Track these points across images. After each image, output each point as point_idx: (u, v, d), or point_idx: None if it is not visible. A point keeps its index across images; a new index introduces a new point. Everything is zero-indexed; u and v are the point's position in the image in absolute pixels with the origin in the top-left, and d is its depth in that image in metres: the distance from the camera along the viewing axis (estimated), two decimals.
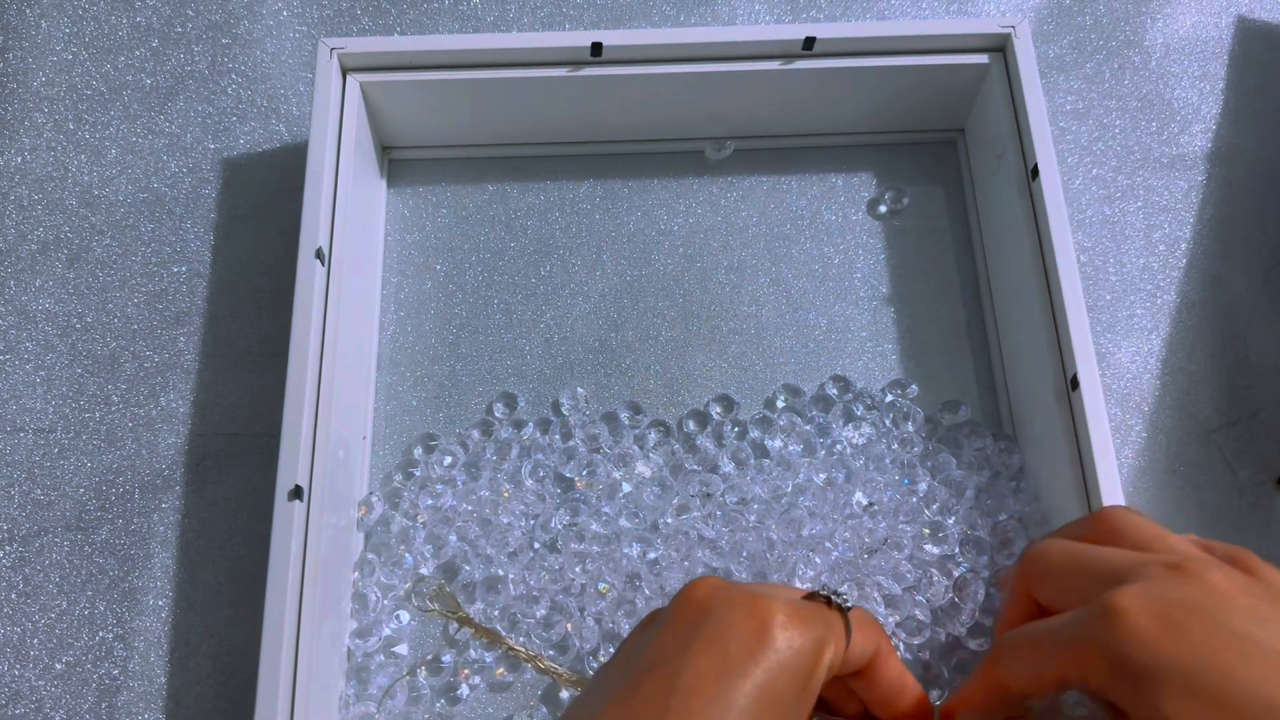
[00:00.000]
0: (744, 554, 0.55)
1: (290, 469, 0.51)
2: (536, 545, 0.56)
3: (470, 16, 0.72)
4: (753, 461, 0.58)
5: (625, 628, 0.54)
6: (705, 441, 0.59)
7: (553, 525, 0.56)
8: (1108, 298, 0.65)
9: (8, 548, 0.58)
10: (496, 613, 0.55)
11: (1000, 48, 0.61)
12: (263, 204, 0.67)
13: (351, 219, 0.58)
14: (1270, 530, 0.60)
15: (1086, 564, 0.39)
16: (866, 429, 0.58)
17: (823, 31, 0.60)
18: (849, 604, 0.39)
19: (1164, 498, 0.60)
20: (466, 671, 0.54)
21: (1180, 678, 0.33)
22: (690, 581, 0.38)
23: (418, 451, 0.59)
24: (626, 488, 0.57)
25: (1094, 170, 0.68)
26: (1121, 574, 0.37)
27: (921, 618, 0.53)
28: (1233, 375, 0.63)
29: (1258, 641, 0.33)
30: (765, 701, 0.34)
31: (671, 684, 0.34)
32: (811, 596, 0.39)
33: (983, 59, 0.61)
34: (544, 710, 0.54)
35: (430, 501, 0.57)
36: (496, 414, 0.61)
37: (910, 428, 0.58)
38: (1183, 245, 0.66)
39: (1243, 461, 0.61)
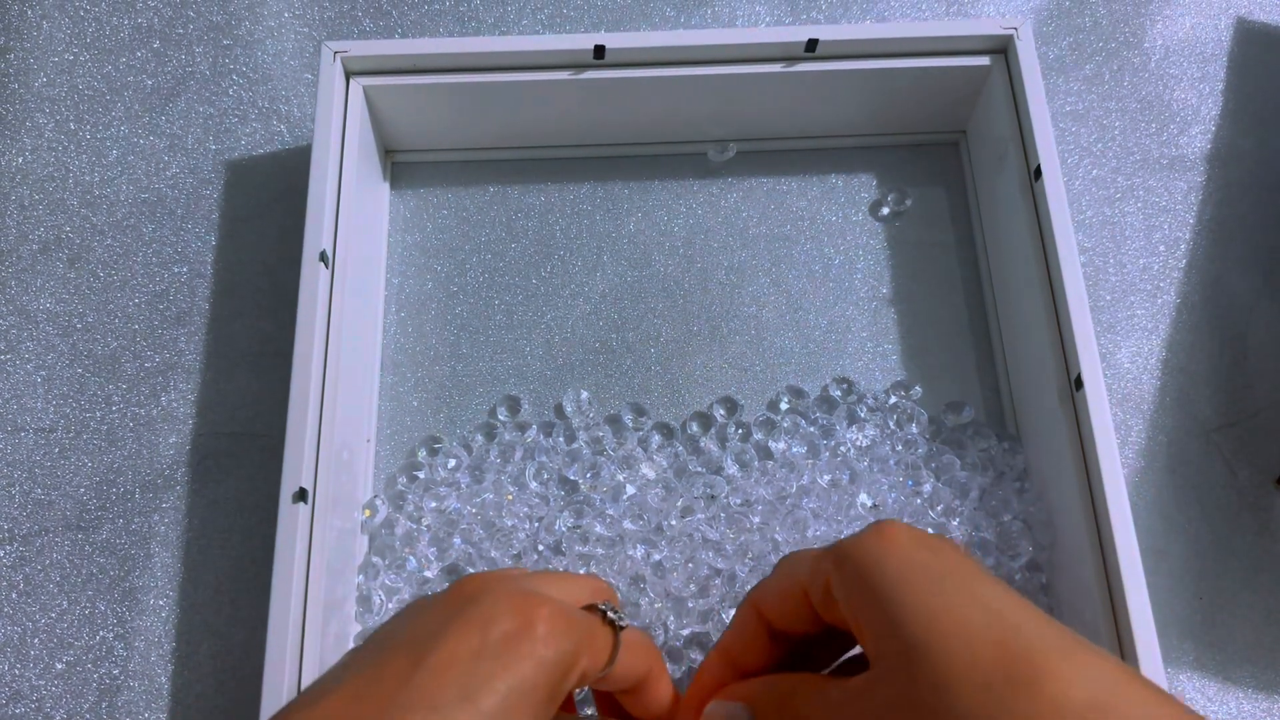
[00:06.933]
0: (748, 556, 0.55)
1: (294, 471, 0.51)
2: (541, 548, 0.56)
3: (471, 18, 0.72)
4: (757, 463, 0.58)
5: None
6: (709, 443, 0.59)
7: (557, 528, 0.56)
8: (1108, 298, 0.65)
9: (8, 547, 0.58)
10: None
11: (1002, 49, 0.62)
12: (264, 205, 0.67)
13: (354, 222, 0.58)
14: (1270, 530, 0.60)
15: (803, 553, 0.40)
16: (870, 430, 0.58)
17: (825, 34, 0.60)
18: (623, 624, 0.39)
19: (1164, 498, 0.60)
20: None
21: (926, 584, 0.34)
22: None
23: (421, 454, 0.59)
24: (631, 490, 0.57)
25: (1094, 171, 0.68)
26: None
27: None
28: (1232, 375, 0.63)
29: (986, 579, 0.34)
30: (515, 691, 0.33)
31: (420, 660, 0.33)
32: (590, 609, 0.39)
33: (984, 60, 0.62)
34: None
35: (434, 504, 0.57)
36: (500, 417, 0.61)
37: (914, 429, 0.59)
38: (1182, 246, 0.66)
39: (1242, 461, 0.61)
